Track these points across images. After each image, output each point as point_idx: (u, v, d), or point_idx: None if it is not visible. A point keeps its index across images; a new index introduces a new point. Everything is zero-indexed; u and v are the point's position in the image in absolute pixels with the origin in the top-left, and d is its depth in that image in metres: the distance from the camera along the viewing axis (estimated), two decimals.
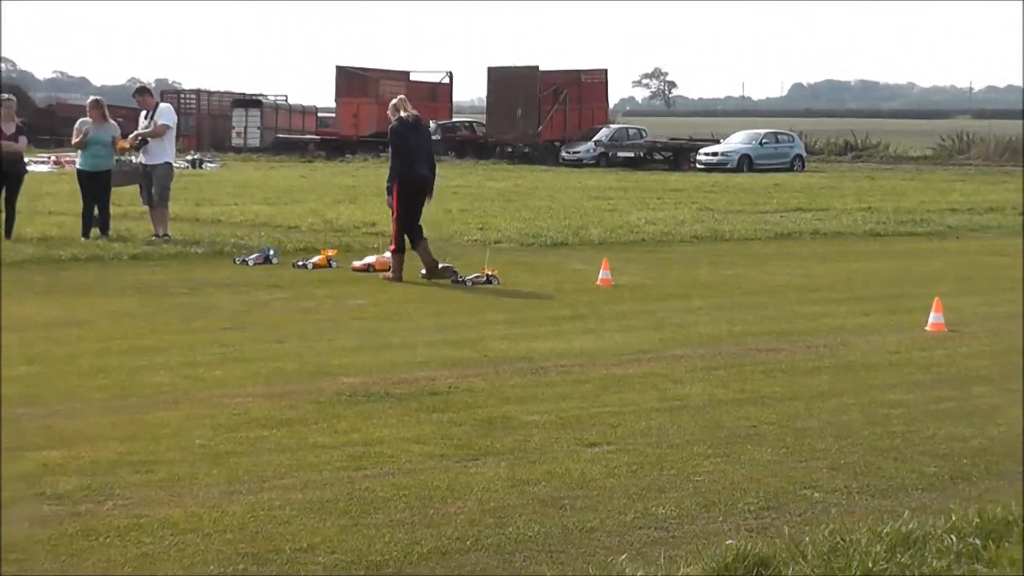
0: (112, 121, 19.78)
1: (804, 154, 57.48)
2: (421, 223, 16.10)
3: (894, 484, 7.14)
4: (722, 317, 13.11)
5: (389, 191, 16.12)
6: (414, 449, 7.63)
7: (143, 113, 19.66)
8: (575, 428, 8.21)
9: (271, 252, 17.44)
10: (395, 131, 16.02)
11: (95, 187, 19.22)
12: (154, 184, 19.21)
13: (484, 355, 10.71)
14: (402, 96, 16.75)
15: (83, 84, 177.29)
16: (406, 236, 15.86)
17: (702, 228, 23.59)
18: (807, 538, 5.90)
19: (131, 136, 19.52)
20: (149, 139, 19.21)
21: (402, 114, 15.99)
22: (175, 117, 20.15)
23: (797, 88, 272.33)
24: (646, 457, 7.54)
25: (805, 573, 5.50)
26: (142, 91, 20.40)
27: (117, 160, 19.52)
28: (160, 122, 19.32)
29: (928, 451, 7.87)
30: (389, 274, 15.82)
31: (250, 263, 17.00)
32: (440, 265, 15.86)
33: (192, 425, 8.11)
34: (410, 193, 15.92)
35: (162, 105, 20.20)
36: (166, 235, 19.20)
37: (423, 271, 15.90)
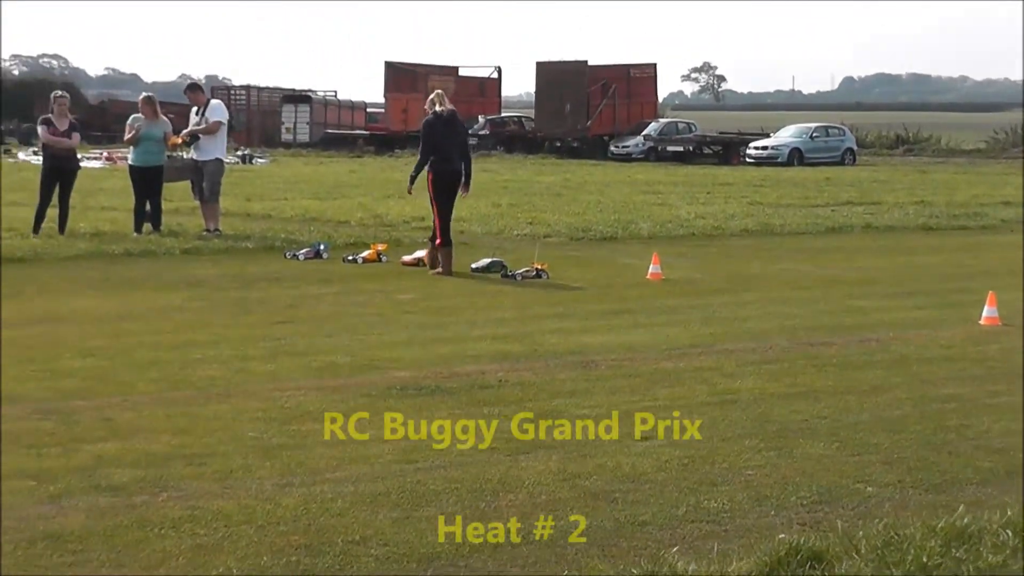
0: (164, 117, 19.92)
1: (855, 148, 57.11)
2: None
3: (948, 479, 7.10)
4: (773, 311, 13.06)
5: (412, 180, 16.32)
6: (465, 442, 7.65)
7: (194, 109, 19.81)
8: (626, 422, 8.16)
9: (322, 247, 17.53)
10: (428, 124, 16.22)
11: (147, 183, 19.36)
12: (205, 180, 19.36)
13: (534, 349, 10.72)
14: (440, 91, 16.90)
15: (134, 81, 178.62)
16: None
17: (752, 222, 23.51)
18: (861, 532, 5.87)
19: (184, 132, 19.67)
20: (201, 136, 19.35)
21: (437, 108, 16.15)
22: (227, 114, 20.32)
23: (848, 82, 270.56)
24: (697, 451, 7.53)
25: (859, 568, 5.47)
26: (193, 88, 20.60)
27: (169, 156, 19.66)
28: (214, 119, 19.48)
29: (983, 446, 7.81)
30: (439, 268, 15.88)
31: (300, 258, 17.10)
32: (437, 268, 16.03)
33: (244, 418, 8.16)
34: (443, 187, 16.07)
35: (213, 102, 20.32)
36: (217, 230, 19.33)
37: (476, 266, 16.01)
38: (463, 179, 16.18)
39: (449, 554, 5.79)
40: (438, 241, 16.00)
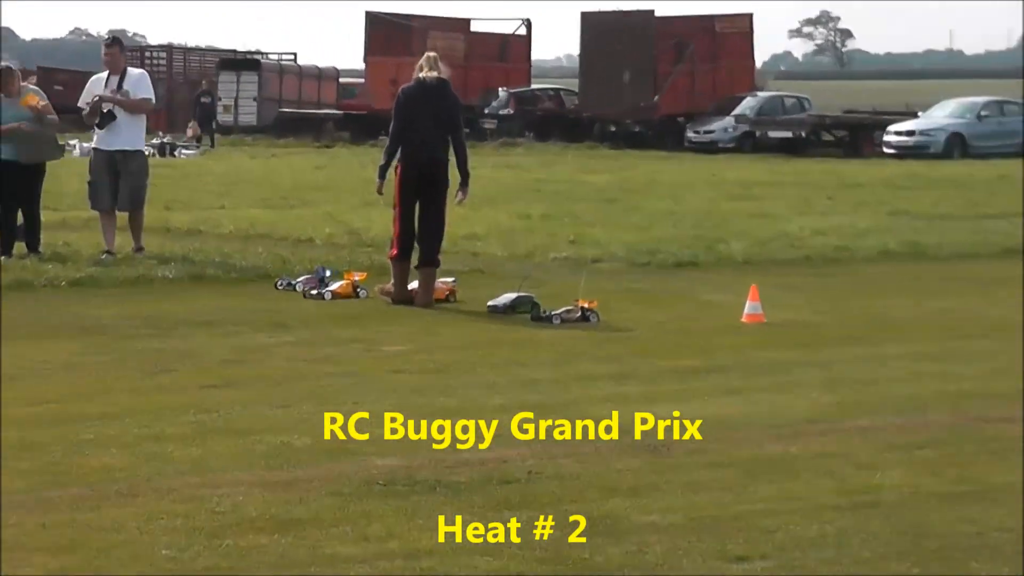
0: (29, 86, 19.97)
1: None
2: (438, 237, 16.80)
3: None
4: (928, 371, 13.01)
5: (380, 174, 16.85)
6: (480, 565, 7.55)
7: (104, 75, 19.46)
8: (713, 534, 8.11)
9: (327, 273, 17.22)
10: (403, 94, 16.77)
11: (16, 185, 19.25)
12: (123, 180, 19.21)
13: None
14: (433, 54, 17.06)
15: (9, 37, 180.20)
16: (418, 244, 16.57)
17: (894, 241, 23.43)
18: None
19: (98, 98, 19.22)
20: (120, 114, 19.14)
21: (422, 74, 16.57)
22: (152, 89, 20.25)
23: None
24: None
25: None
26: (116, 43, 20.31)
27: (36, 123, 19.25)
28: (141, 95, 19.48)
29: None
30: (388, 287, 16.51)
31: (298, 288, 17.02)
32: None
33: (157, 529, 8.07)
34: (412, 181, 16.53)
35: (134, 71, 20.40)
36: (140, 248, 19.47)
37: (495, 303, 15.96)
38: (461, 178, 16.80)
39: None
40: (392, 252, 16.53)
